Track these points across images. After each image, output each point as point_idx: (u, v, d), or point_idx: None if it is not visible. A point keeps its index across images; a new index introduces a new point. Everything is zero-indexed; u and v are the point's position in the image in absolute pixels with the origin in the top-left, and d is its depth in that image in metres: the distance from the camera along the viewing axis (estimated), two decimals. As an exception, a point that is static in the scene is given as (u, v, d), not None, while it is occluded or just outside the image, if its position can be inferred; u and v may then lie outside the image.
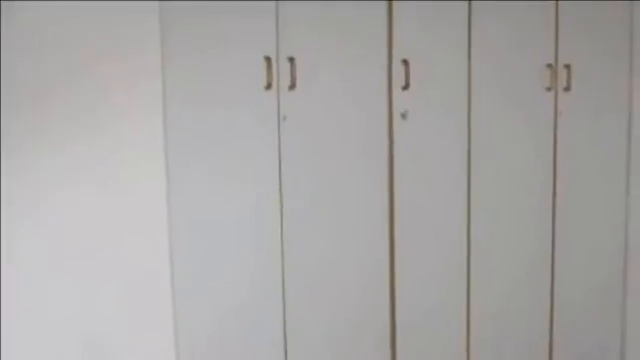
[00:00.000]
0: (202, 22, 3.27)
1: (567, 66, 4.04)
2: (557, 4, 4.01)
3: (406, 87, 3.68)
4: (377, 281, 3.77)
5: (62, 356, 2.92)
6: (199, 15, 3.26)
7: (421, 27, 3.72)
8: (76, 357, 2.95)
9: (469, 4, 3.84)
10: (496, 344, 4.10)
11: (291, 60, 3.42)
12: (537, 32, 3.99)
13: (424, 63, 3.72)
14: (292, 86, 3.42)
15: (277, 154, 3.44)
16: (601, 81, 4.20)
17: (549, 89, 4.03)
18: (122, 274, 3.03)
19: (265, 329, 3.52)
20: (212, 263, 3.40)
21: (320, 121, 3.54)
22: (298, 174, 3.52)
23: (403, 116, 3.68)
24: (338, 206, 3.64)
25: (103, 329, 3.01)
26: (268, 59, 3.37)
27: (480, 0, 3.85)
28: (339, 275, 3.67)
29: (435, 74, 3.77)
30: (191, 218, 3.31)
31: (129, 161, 3.00)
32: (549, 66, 4.02)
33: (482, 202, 3.97)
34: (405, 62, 3.66)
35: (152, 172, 3.06)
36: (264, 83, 3.36)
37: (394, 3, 3.66)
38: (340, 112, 3.58)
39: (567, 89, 4.06)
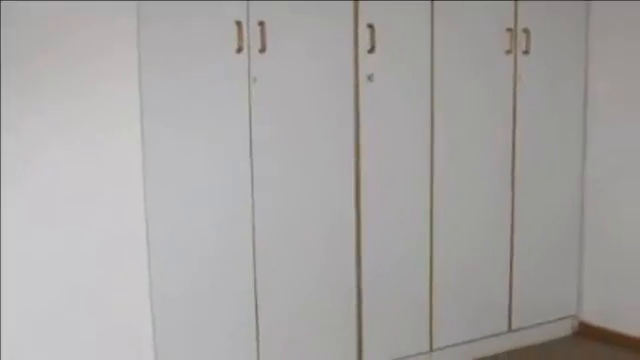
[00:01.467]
0: (176, -12, 3.33)
1: (526, 30, 4.16)
2: (517, -30, 4.12)
3: (372, 50, 3.76)
4: (344, 235, 3.85)
5: (50, 303, 3.00)
6: (173, -19, 3.32)
7: (386, -8, 3.81)
8: (62, 304, 3.03)
9: (432, -30, 3.93)
10: (458, 296, 4.23)
11: (261, 24, 3.47)
12: (498, -3, 4.12)
13: (389, 27, 3.80)
14: (262, 49, 3.48)
15: (248, 114, 3.50)
16: (559, 45, 4.33)
17: (509, 52, 4.15)
18: (101, 228, 3.08)
19: (236, 281, 3.59)
20: (185, 218, 3.44)
21: (289, 83, 3.61)
22: (268, 133, 3.58)
23: (369, 78, 3.77)
24: (306, 164, 3.71)
25: (86, 279, 3.07)
26: (239, 23, 3.42)
27: (443, -33, 3.95)
28: (307, 230, 3.75)
29: (400, 38, 3.85)
30: (165, 175, 3.36)
31: (107, 121, 3.04)
32: (509, 30, 4.13)
33: (444, 161, 4.07)
34: (370, 26, 3.74)
35: (128, 132, 3.10)
36: (235, 46, 3.42)
37: (360, -30, 3.75)
38: (308, 74, 3.65)
39: (526, 52, 4.18)
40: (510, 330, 4.45)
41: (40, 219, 2.97)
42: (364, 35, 3.74)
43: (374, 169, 3.88)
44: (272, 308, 3.69)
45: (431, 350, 4.18)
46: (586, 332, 4.65)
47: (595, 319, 4.62)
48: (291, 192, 3.70)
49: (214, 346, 3.56)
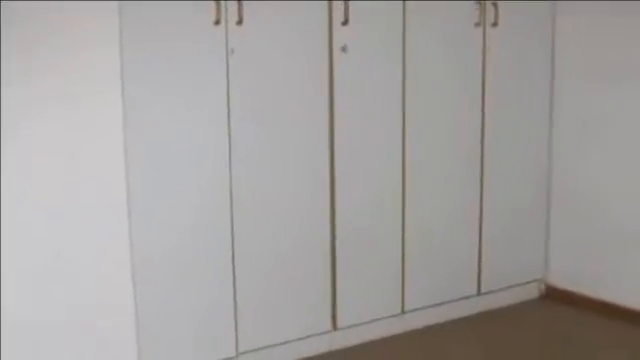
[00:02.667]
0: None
1: (494, 4, 4.23)
2: (485, -57, 4.19)
3: (345, 22, 3.83)
4: (318, 201, 3.93)
5: (32, 270, 3.04)
6: (153, -45, 3.36)
7: (359, -34, 3.86)
8: (43, 270, 3.06)
9: (404, -56, 3.98)
10: (429, 260, 4.31)
11: (238, -3, 3.55)
12: (467, -29, 4.18)
13: (362, 1, 3.86)
14: (239, 21, 3.54)
15: (225, 84, 3.56)
16: (526, 17, 4.41)
17: (478, 25, 4.23)
18: (83, 195, 3.11)
19: (215, 245, 3.65)
20: (165, 185, 3.51)
21: (265, 54, 3.67)
22: (245, 103, 3.64)
23: (343, 50, 3.83)
24: (282, 132, 3.78)
25: (67, 246, 3.10)
26: (217, -4, 3.50)
27: (414, -59, 4.00)
28: (283, 195, 3.82)
29: (372, 11, 3.91)
30: (146, 145, 3.41)
31: (88, 90, 3.08)
32: (478, 3, 4.22)
33: (416, 129, 4.15)
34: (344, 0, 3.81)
35: (109, 101, 3.14)
36: (213, 19, 3.47)
37: (334, -57, 3.79)
38: (284, 46, 3.72)
39: (494, 25, 4.26)
40: (479, 293, 4.54)
41: (22, 188, 3.00)
42: (338, 8, 3.81)
43: (348, 137, 3.96)
44: (249, 271, 3.77)
45: (403, 312, 4.27)
46: (553, 295, 4.74)
47: (561, 282, 4.72)
48: (267, 159, 3.76)
49: (193, 309, 3.63)
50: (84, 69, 3.08)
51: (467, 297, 4.51)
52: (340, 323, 4.07)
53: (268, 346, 3.87)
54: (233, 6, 3.53)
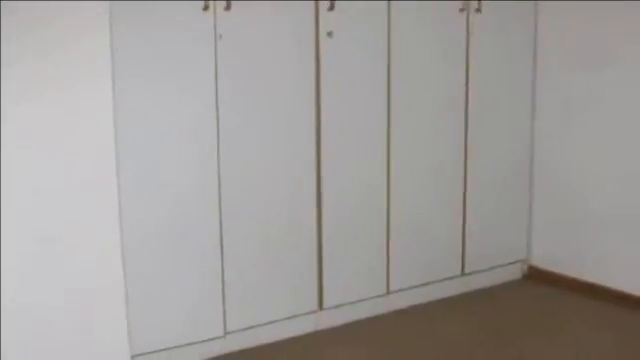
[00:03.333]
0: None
1: (478, -10, 4.29)
2: None
3: (331, 8, 3.86)
4: (305, 183, 3.97)
5: (22, 247, 3.06)
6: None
7: (345, -48, 3.89)
8: (34, 252, 3.10)
9: None
10: (414, 241, 4.37)
11: (226, -17, 3.59)
12: (452, -43, 4.21)
13: None
14: (227, 7, 3.58)
15: (214, 69, 3.61)
16: (509, 3, 4.44)
17: (462, 10, 4.28)
18: (75, 180, 3.15)
19: (203, 227, 3.70)
20: (155, 170, 3.55)
21: (253, 39, 3.71)
22: (233, 87, 3.68)
23: (329, 35, 3.87)
24: (270, 116, 3.82)
25: (57, 222, 3.13)
26: (205, -17, 3.53)
27: None
28: (271, 178, 3.86)
29: None
30: (136, 129, 3.45)
31: (79, 76, 3.11)
32: (463, -11, 4.26)
33: (401, 113, 4.19)
34: (331, -15, 3.85)
35: (100, 87, 3.17)
36: (202, 5, 3.51)
37: None
38: (271, 31, 3.76)
39: (478, 10, 4.30)
40: (463, 274, 4.59)
41: (12, 171, 3.03)
42: (324, -7, 3.86)
43: (334, 121, 4.00)
44: (237, 252, 3.81)
45: (388, 292, 4.32)
46: (535, 276, 4.79)
47: (544, 263, 4.77)
48: (255, 143, 3.80)
49: (182, 290, 3.69)
50: (75, 54, 3.11)
51: (451, 277, 4.56)
52: (326, 303, 4.13)
53: (255, 326, 3.92)
54: (221, -8, 3.58)
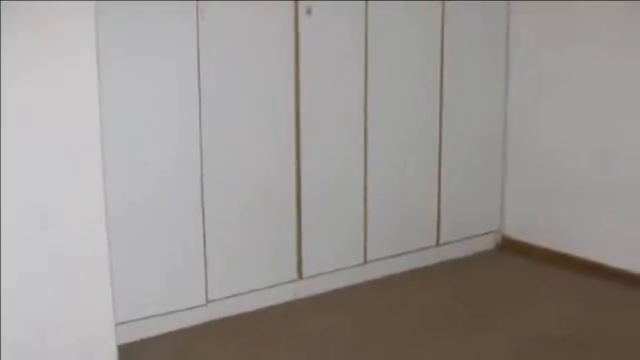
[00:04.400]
0: None
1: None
2: None
3: None
4: (285, 156, 4.03)
5: (6, 217, 3.05)
6: None
7: None
8: (22, 222, 3.10)
9: None
10: (390, 212, 4.44)
11: (207, -39, 3.61)
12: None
13: None
14: None
15: (196, 45, 3.66)
16: None
17: (438, -4, 4.34)
18: (59, 150, 3.15)
19: (185, 197, 3.75)
20: (138, 140, 3.60)
21: (234, 17, 3.75)
22: (215, 65, 3.73)
23: (308, 12, 3.92)
24: (250, 90, 3.87)
25: (42, 196, 3.14)
26: (186, -40, 3.56)
27: None
28: (251, 152, 3.93)
29: None
30: (120, 101, 3.50)
31: (63, 49, 3.11)
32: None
33: (377, 89, 4.25)
34: (309, -37, 3.89)
35: (84, 59, 3.16)
36: None
37: None
38: (252, 9, 3.80)
39: (453, -3, 4.36)
40: (438, 244, 4.66)
41: None
42: (304, -28, 3.89)
43: (313, 95, 4.04)
44: (218, 223, 3.87)
45: (365, 262, 4.38)
46: (508, 246, 4.86)
47: (516, 234, 4.84)
48: (236, 116, 3.86)
49: (165, 260, 3.75)
50: (60, 28, 3.11)
51: (426, 248, 4.63)
52: (305, 273, 4.19)
53: (236, 294, 3.98)
54: (203, -30, 3.60)
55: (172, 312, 3.81)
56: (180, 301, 3.84)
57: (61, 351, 3.25)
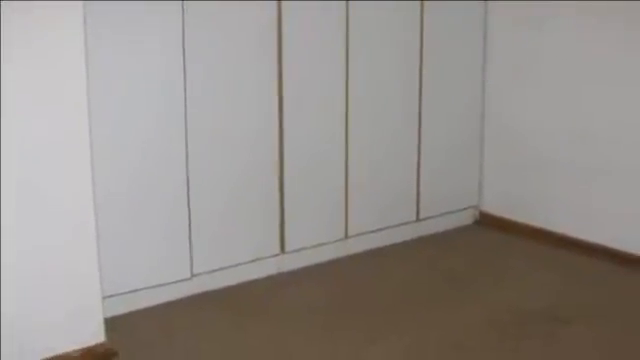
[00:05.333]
0: None
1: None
2: None
3: None
4: (268, 134, 4.08)
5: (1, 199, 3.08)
6: None
7: None
8: (12, 199, 3.11)
9: None
10: (371, 188, 4.50)
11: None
12: None
13: None
14: None
15: (181, 31, 3.71)
16: None
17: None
18: (48, 132, 3.17)
19: (170, 175, 3.80)
20: (125, 119, 3.64)
21: (217, 2, 3.81)
22: (199, 47, 3.78)
23: None
24: (234, 68, 3.91)
25: (31, 175, 3.15)
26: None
27: None
28: (235, 130, 3.98)
29: None
30: (107, 81, 3.54)
31: (52, 33, 3.13)
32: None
33: (359, 68, 4.31)
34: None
35: (73, 49, 3.17)
36: None
37: None
38: None
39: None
40: (418, 219, 4.72)
41: None
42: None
43: (295, 73, 4.09)
44: (203, 199, 3.91)
45: (346, 237, 4.45)
46: (486, 221, 4.94)
47: (494, 209, 4.91)
48: (220, 94, 3.90)
49: (151, 235, 3.81)
50: (49, 12, 3.11)
51: (406, 223, 4.69)
52: (288, 247, 4.25)
53: (221, 268, 4.03)
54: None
55: (158, 285, 3.87)
56: (166, 275, 3.89)
57: (51, 323, 3.30)
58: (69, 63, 3.20)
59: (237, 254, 4.11)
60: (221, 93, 3.92)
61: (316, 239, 4.37)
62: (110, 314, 3.60)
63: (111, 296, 3.66)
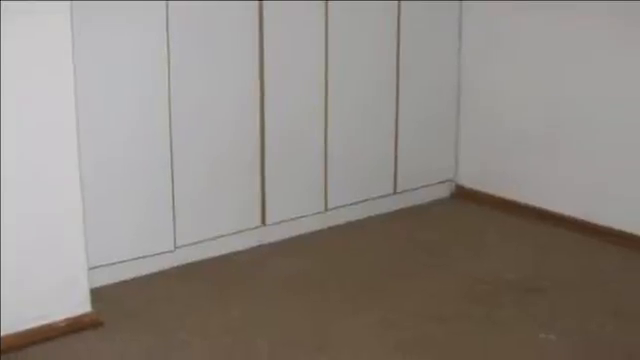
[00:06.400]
0: None
1: None
2: None
3: None
4: (249, 109, 4.12)
5: None
6: None
7: None
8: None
9: None
10: (350, 162, 4.56)
11: None
12: None
13: None
14: None
15: (165, 4, 3.75)
16: None
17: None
18: (37, 106, 3.21)
19: (155, 148, 3.85)
20: (110, 94, 3.69)
21: None
22: (183, 20, 3.81)
23: None
24: (217, 47, 3.97)
25: (20, 150, 3.19)
26: None
27: None
28: (217, 104, 4.01)
29: None
30: (93, 61, 3.58)
31: (38, 17, 3.15)
32: None
33: (338, 42, 4.36)
34: None
35: (58, 25, 3.20)
36: None
37: None
38: None
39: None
40: (395, 192, 4.78)
41: None
42: None
43: (276, 49, 4.13)
44: (186, 172, 3.95)
45: (326, 209, 4.52)
46: (462, 194, 5.00)
47: (470, 183, 4.98)
48: (203, 71, 3.95)
49: (135, 208, 3.86)
50: None
51: (384, 196, 4.75)
52: (269, 219, 4.31)
53: (203, 240, 4.09)
54: None
55: (142, 257, 3.93)
56: (150, 247, 3.95)
57: (39, 293, 3.36)
58: (55, 39, 3.24)
59: (219, 227, 4.15)
60: (204, 68, 3.96)
61: (296, 212, 4.42)
62: (96, 285, 3.66)
63: (97, 267, 3.71)
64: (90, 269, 3.54)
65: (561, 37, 4.46)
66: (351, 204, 4.64)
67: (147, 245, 3.95)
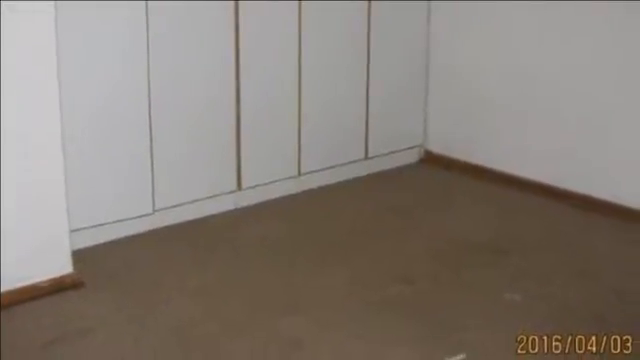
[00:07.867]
0: None
1: None
2: None
3: None
4: (225, 77, 4.21)
5: None
6: None
7: None
8: None
9: None
10: (322, 128, 4.65)
11: None
12: None
13: None
14: None
15: None
16: None
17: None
18: (17, 70, 3.24)
19: (134, 114, 3.91)
20: (92, 61, 3.76)
21: None
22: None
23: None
24: (195, 18, 4.03)
25: (2, 113, 3.22)
26: None
27: None
28: (195, 73, 4.10)
29: None
30: (73, 26, 3.61)
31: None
32: None
33: (312, 17, 4.44)
34: None
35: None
36: None
37: None
38: None
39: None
40: (366, 157, 4.87)
41: None
42: None
43: (251, 19, 4.20)
44: (165, 137, 4.03)
45: (299, 174, 4.59)
46: (431, 159, 5.08)
47: (438, 148, 5.07)
48: (182, 38, 4.02)
49: (115, 171, 3.94)
50: None
51: (356, 161, 4.83)
52: (244, 184, 4.39)
53: (181, 204, 4.17)
54: None
55: (121, 220, 4.01)
56: (129, 210, 4.03)
57: (21, 255, 3.44)
58: (38, 7, 3.28)
59: (196, 190, 4.23)
60: (181, 36, 4.02)
61: (271, 176, 4.50)
62: (77, 247, 3.73)
63: (78, 230, 3.77)
64: (72, 231, 3.62)
65: (529, 5, 4.53)
66: (324, 169, 4.71)
67: (127, 208, 4.02)
